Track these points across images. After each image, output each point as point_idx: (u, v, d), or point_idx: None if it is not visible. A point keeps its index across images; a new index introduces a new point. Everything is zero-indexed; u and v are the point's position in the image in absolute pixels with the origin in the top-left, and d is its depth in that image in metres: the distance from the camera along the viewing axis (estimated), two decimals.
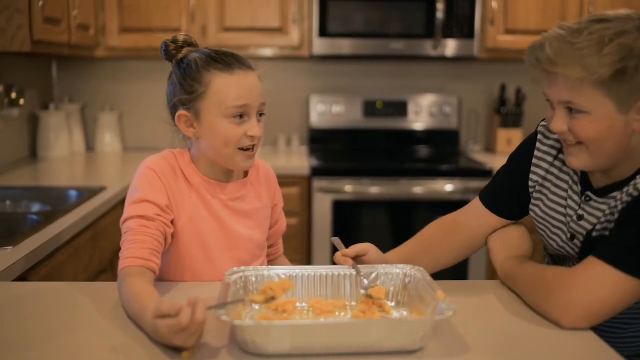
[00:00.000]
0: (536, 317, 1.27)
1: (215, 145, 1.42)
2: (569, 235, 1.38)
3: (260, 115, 1.44)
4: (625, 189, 1.27)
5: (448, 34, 3.38)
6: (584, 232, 1.34)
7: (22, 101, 2.96)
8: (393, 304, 1.33)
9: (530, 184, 1.46)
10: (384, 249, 1.53)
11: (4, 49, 2.41)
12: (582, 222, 1.34)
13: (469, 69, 3.86)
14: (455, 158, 3.63)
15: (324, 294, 1.35)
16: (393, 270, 1.36)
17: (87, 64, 3.73)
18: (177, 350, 1.10)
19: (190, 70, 1.40)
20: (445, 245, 1.55)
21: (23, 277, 1.68)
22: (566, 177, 1.40)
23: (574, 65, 1.18)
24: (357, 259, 1.42)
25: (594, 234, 1.31)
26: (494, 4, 3.42)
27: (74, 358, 1.09)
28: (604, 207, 1.31)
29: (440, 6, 3.30)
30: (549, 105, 1.30)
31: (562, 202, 1.40)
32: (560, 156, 1.42)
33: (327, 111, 3.75)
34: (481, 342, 1.16)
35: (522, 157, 1.49)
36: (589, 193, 1.34)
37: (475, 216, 1.53)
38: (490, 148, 3.84)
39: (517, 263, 1.40)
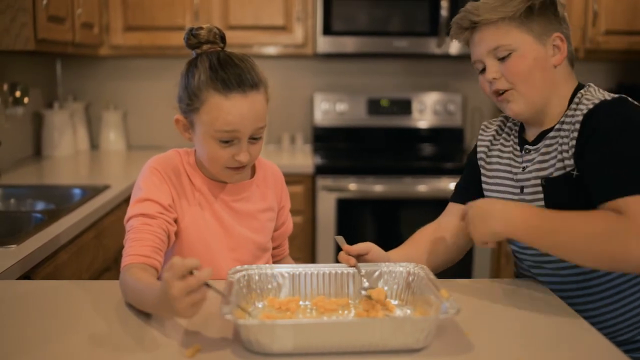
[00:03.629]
0: (540, 315, 1.27)
1: (204, 158, 1.43)
2: (518, 190, 1.44)
3: (255, 138, 1.39)
4: (562, 119, 1.37)
5: None
6: (531, 178, 1.41)
7: (26, 100, 2.97)
8: (396, 302, 1.33)
9: (479, 162, 1.57)
10: (388, 247, 1.52)
11: (7, 47, 2.42)
12: (527, 171, 1.42)
13: (473, 67, 3.83)
14: (459, 156, 3.62)
15: (327, 292, 1.35)
16: (396, 269, 1.36)
17: (91, 63, 3.73)
18: (180, 350, 1.10)
19: (192, 82, 1.37)
20: (439, 248, 1.57)
21: (27, 276, 1.69)
22: (508, 144, 1.52)
23: (492, 10, 1.38)
24: (359, 258, 1.42)
25: (555, 173, 1.35)
26: None
27: (76, 356, 1.09)
28: (542, 149, 1.40)
29: (444, 4, 3.29)
30: (479, 74, 1.47)
31: (507, 162, 1.49)
32: (503, 135, 1.55)
33: (331, 109, 3.75)
34: (485, 341, 1.16)
35: (473, 152, 1.62)
36: (527, 146, 1.45)
37: (455, 219, 1.55)
38: None
39: (545, 217, 1.28)
